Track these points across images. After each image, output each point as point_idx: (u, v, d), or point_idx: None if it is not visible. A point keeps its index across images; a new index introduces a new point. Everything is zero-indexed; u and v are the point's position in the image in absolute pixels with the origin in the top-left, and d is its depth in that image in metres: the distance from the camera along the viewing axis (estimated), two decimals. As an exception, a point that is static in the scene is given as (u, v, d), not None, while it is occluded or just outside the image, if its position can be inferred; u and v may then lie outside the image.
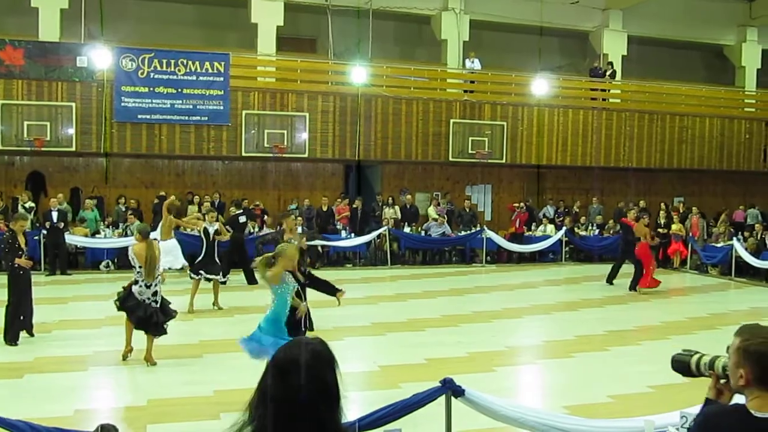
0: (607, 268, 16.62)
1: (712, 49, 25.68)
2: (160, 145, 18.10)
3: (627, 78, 23.39)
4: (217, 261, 12.59)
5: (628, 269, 15.76)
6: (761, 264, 17.17)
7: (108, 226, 17.44)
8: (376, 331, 10.81)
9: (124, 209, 17.82)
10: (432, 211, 19.96)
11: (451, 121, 20.23)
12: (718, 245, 18.62)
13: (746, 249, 17.56)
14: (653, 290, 15.19)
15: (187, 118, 18.07)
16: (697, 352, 2.81)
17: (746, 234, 19.29)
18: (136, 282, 8.63)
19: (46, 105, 17.32)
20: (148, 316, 8.59)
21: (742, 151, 23.33)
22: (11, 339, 9.38)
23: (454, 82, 21.93)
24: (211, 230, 12.58)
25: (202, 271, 12.28)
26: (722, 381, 2.67)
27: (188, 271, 12.93)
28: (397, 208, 19.78)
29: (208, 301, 12.44)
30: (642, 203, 20.16)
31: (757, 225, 19.71)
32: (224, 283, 12.84)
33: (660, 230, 18.60)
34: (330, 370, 2.20)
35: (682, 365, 2.83)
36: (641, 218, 15.83)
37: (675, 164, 22.64)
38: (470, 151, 20.35)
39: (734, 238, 18.12)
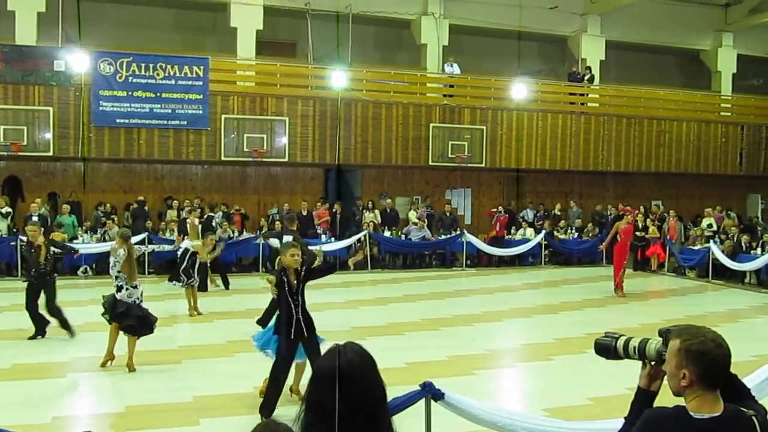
0: (587, 271, 16.73)
1: (688, 54, 25.96)
2: (138, 150, 17.99)
3: (605, 82, 23.58)
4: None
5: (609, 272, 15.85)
6: (738, 266, 17.36)
7: (86, 232, 17.30)
8: (356, 335, 10.78)
9: (102, 214, 17.69)
10: (412, 215, 19.99)
11: (431, 125, 20.28)
12: (696, 248, 18.79)
13: (723, 251, 17.74)
14: (632, 293, 15.31)
15: (166, 122, 17.98)
16: (622, 335, 2.82)
17: (723, 237, 19.47)
18: (119, 289, 8.57)
19: (23, 109, 17.17)
20: (144, 316, 8.60)
21: (719, 155, 23.60)
22: None
23: (433, 87, 22.00)
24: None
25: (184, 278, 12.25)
26: (653, 364, 2.69)
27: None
28: (377, 212, 19.79)
29: (186, 307, 12.38)
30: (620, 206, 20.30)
31: (733, 228, 19.91)
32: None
33: (638, 233, 18.71)
34: (376, 371, 2.28)
35: (605, 348, 2.84)
36: (625, 216, 15.95)
37: (653, 168, 22.85)
38: (450, 155, 20.41)
39: (711, 241, 18.31)
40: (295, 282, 6.83)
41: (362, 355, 2.27)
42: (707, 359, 2.48)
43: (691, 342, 2.50)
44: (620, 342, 2.80)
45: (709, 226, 19.87)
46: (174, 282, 12.84)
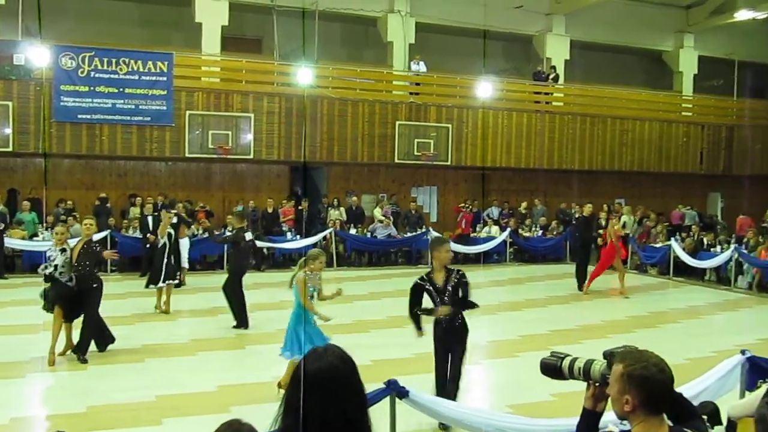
0: (552, 268, 16.86)
1: (651, 54, 26.32)
2: (101, 146, 17.74)
3: (569, 82, 23.81)
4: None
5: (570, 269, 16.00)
6: (698, 264, 17.67)
7: (47, 229, 17.00)
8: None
9: (63, 211, 17.40)
10: (378, 213, 19.99)
11: (397, 122, 20.29)
12: (657, 245, 19.06)
13: (684, 249, 18.02)
14: (594, 290, 15.49)
15: (129, 118, 17.75)
16: (568, 355, 2.81)
17: (683, 234, 19.79)
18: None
19: (-20, 104, 16.84)
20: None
21: (680, 154, 23.99)
22: None
23: (399, 84, 22.02)
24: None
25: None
26: (597, 385, 2.67)
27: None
28: (342, 209, 19.75)
29: (150, 305, 12.25)
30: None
31: (693, 226, 20.26)
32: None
33: (601, 231, 18.90)
34: (357, 375, 2.26)
35: (551, 368, 2.84)
36: (611, 219, 16.16)
37: (616, 166, 23.14)
38: (416, 153, 20.45)
39: (672, 239, 18.59)
40: (443, 282, 7.10)
41: (344, 358, 2.26)
42: (650, 385, 2.46)
43: (633, 367, 2.48)
44: (566, 362, 2.79)
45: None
46: (157, 284, 12.25)
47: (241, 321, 11.02)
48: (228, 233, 14.60)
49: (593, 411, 2.74)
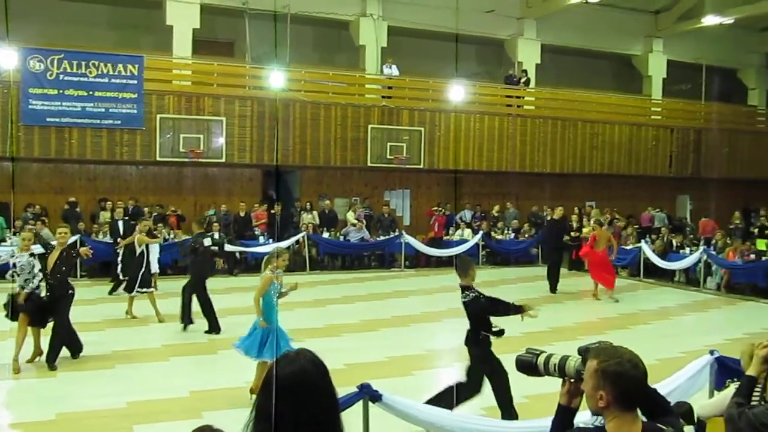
0: (524, 271, 16.93)
1: (620, 58, 26.61)
2: (70, 150, 17.53)
3: (541, 86, 23.99)
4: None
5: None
6: (668, 265, 17.88)
7: (15, 234, 16.73)
8: (294, 337, 10.65)
9: (31, 216, 17.14)
10: (350, 216, 19.97)
11: (370, 126, 20.31)
12: (627, 247, 19.24)
13: (654, 251, 18.23)
14: (567, 292, 15.62)
15: (99, 121, 17.56)
16: (543, 352, 2.83)
17: (653, 236, 20.02)
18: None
19: (-53, 107, 16.57)
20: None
21: (649, 157, 24.28)
22: None
23: (372, 88, 22.02)
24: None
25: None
26: (572, 381, 2.70)
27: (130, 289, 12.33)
28: (315, 213, 19.70)
29: (121, 310, 12.13)
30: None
31: (663, 228, 20.50)
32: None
33: (573, 233, 19.05)
34: (329, 379, 2.26)
35: (526, 365, 2.86)
36: (602, 225, 16.27)
37: (587, 169, 23.36)
38: (388, 156, 20.48)
39: (642, 241, 18.78)
40: None
41: (315, 363, 2.26)
42: (624, 381, 2.48)
43: (608, 363, 2.50)
44: (541, 359, 2.81)
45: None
46: (141, 290, 12.01)
47: (213, 326, 10.96)
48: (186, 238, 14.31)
49: (568, 407, 2.76)
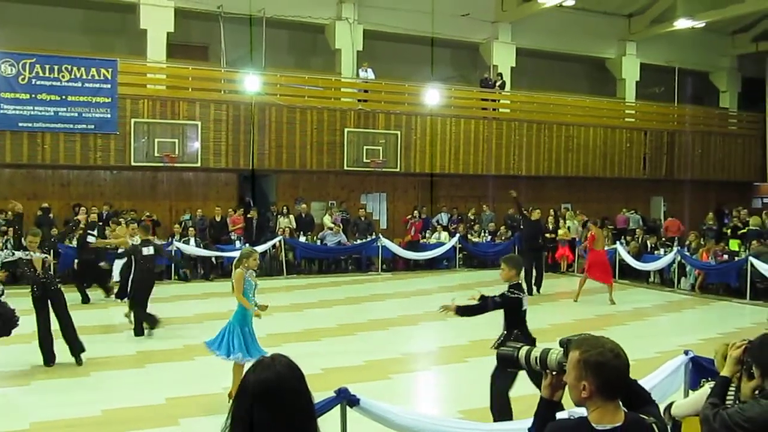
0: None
1: (594, 62, 26.82)
2: (43, 155, 17.33)
3: (516, 89, 24.11)
4: None
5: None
6: (642, 266, 18.05)
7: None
8: (271, 342, 10.60)
9: (3, 222, 16.91)
10: (327, 220, 19.93)
11: (346, 130, 20.30)
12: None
13: (628, 252, 18.39)
14: (544, 294, 15.71)
15: (72, 126, 17.38)
16: (524, 345, 2.85)
17: (628, 238, 20.20)
18: None
19: None
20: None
21: (624, 159, 24.51)
22: None
23: (348, 92, 22.00)
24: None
25: None
26: (555, 374, 2.71)
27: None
28: (291, 217, 19.65)
29: (95, 317, 11.99)
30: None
31: (638, 229, 20.68)
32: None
33: (548, 235, 19.16)
34: (305, 383, 2.25)
35: (507, 358, 2.87)
36: (596, 224, 16.36)
37: (562, 172, 23.53)
38: (365, 160, 20.48)
39: (617, 242, 18.93)
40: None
41: (291, 367, 2.26)
42: (606, 370, 2.50)
43: (590, 353, 2.52)
44: (522, 352, 2.81)
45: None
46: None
47: (149, 321, 10.99)
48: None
49: (551, 400, 2.77)
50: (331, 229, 19.52)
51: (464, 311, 6.77)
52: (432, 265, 20.32)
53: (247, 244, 18.18)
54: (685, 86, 26.25)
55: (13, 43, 18.03)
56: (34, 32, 19.38)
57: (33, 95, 16.99)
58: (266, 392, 2.16)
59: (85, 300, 13.90)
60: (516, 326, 6.66)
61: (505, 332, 6.74)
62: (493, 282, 17.55)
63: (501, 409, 6.47)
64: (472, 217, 21.98)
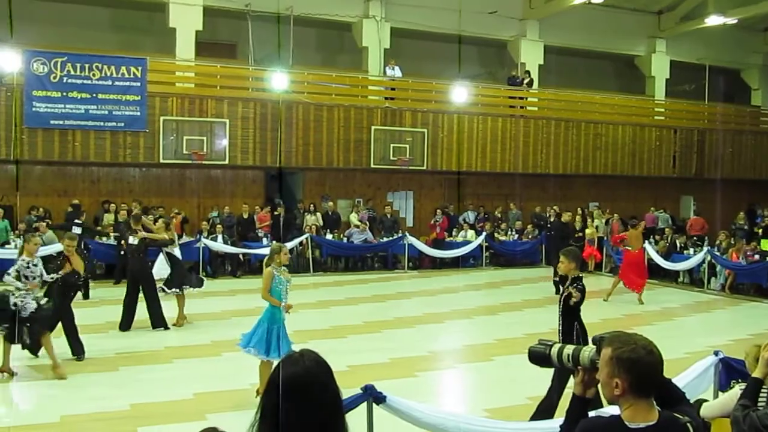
0: (527, 272, 16.87)
1: (623, 59, 26.58)
2: (73, 152, 17.54)
3: (544, 87, 23.97)
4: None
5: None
6: (671, 266, 17.85)
7: (19, 236, 16.74)
8: (297, 339, 10.62)
9: (35, 218, 17.16)
10: (353, 218, 19.96)
11: (373, 127, 20.30)
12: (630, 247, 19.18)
13: (657, 252, 18.19)
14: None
15: (102, 123, 17.58)
16: (556, 343, 2.82)
17: (657, 237, 19.99)
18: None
19: (-49, 110, 16.59)
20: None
21: (653, 158, 24.25)
22: None
23: (375, 89, 22.02)
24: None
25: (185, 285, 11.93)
26: (587, 371, 2.68)
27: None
28: (318, 215, 19.70)
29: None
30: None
31: (666, 229, 20.46)
32: None
33: (576, 234, 19.03)
34: (332, 378, 2.27)
35: (539, 356, 2.84)
36: (636, 225, 16.21)
37: (590, 170, 23.33)
38: (391, 158, 20.47)
39: (645, 242, 18.73)
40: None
41: (319, 363, 2.27)
42: (638, 367, 2.47)
43: (622, 350, 2.49)
44: (554, 350, 2.79)
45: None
46: (173, 290, 11.80)
47: (124, 324, 11.09)
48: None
49: (583, 397, 2.74)
50: (357, 226, 19.55)
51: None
52: (458, 263, 20.29)
53: (274, 242, 18.32)
54: (716, 84, 25.91)
55: (44, 41, 18.28)
56: (65, 31, 19.64)
57: (64, 93, 17.21)
58: (295, 387, 2.17)
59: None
60: (576, 319, 6.76)
61: (563, 327, 6.73)
62: (519, 280, 17.58)
63: (544, 408, 6.44)
64: (499, 216, 21.89)
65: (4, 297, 8.19)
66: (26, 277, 8.28)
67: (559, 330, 6.80)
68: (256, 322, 7.62)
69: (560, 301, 6.84)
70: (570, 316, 6.74)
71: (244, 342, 7.56)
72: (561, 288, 6.95)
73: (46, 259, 9.93)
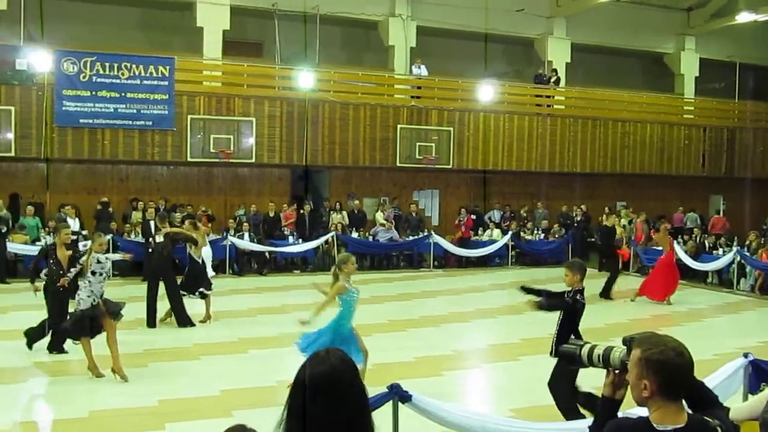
0: (553, 271, 16.76)
1: (652, 56, 26.32)
2: (102, 150, 17.76)
3: (571, 85, 23.82)
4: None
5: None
6: (699, 266, 17.64)
7: (49, 233, 16.97)
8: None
9: (64, 216, 17.37)
10: (379, 216, 19.99)
11: (399, 126, 20.31)
12: (659, 248, 19.00)
13: (686, 252, 17.99)
14: (597, 293, 15.48)
15: (130, 122, 17.78)
16: (587, 343, 2.81)
17: (686, 237, 19.78)
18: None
19: (-17, 109, 16.85)
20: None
21: (681, 156, 24.00)
22: None
23: (401, 88, 22.03)
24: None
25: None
26: (617, 372, 2.66)
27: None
28: (344, 213, 19.74)
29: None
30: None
31: (695, 228, 20.24)
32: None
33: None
34: (358, 377, 2.30)
35: (569, 356, 2.83)
36: (662, 226, 16.06)
37: (617, 169, 23.15)
38: (417, 156, 20.47)
39: (674, 242, 18.53)
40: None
41: (345, 361, 2.29)
42: (668, 369, 2.44)
43: (651, 351, 2.47)
44: (585, 350, 2.78)
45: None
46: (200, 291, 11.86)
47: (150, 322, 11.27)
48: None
49: (612, 398, 2.73)
50: (383, 225, 19.57)
51: (545, 304, 6.74)
52: (484, 262, 20.23)
53: (300, 240, 18.42)
54: (747, 82, 25.53)
55: (74, 41, 18.52)
56: (94, 30, 19.87)
57: (93, 92, 17.43)
58: (321, 385, 2.19)
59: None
60: (573, 332, 6.58)
61: (558, 337, 6.66)
62: (545, 280, 17.43)
63: (569, 411, 6.41)
64: (525, 215, 21.78)
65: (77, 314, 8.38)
66: (93, 273, 8.39)
67: (554, 339, 6.74)
68: (320, 329, 7.57)
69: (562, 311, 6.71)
70: (569, 327, 6.63)
71: (303, 345, 7.45)
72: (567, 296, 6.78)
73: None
